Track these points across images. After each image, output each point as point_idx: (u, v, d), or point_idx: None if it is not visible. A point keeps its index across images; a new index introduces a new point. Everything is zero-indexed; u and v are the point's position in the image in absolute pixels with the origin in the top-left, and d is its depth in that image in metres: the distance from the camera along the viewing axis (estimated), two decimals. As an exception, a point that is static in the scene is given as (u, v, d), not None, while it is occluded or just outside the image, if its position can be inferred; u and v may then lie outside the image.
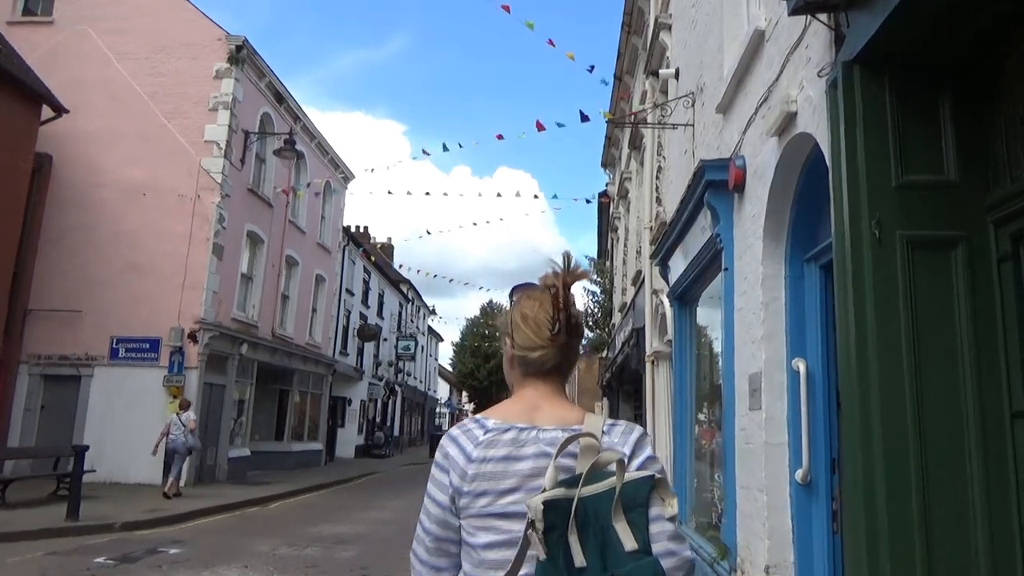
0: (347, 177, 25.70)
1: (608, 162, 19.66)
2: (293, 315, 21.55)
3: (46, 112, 15.37)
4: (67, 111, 15.45)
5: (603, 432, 1.37)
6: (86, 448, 10.49)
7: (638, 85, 12.57)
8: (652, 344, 9.88)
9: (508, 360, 1.53)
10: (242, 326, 18.00)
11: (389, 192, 79.08)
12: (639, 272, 11.86)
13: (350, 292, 28.67)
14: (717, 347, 6.88)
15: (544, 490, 1.27)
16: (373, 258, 27.80)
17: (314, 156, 22.53)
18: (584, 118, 12.66)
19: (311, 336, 23.32)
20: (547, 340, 1.45)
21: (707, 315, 7.22)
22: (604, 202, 19.68)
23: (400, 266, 32.90)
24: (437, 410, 61.22)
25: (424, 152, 22.98)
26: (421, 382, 48.75)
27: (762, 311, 4.59)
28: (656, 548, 1.28)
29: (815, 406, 4.22)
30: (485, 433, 1.38)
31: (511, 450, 1.35)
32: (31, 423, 15.79)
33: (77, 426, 15.52)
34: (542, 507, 1.23)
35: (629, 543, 1.25)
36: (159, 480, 15.14)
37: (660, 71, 8.77)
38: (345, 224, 28.19)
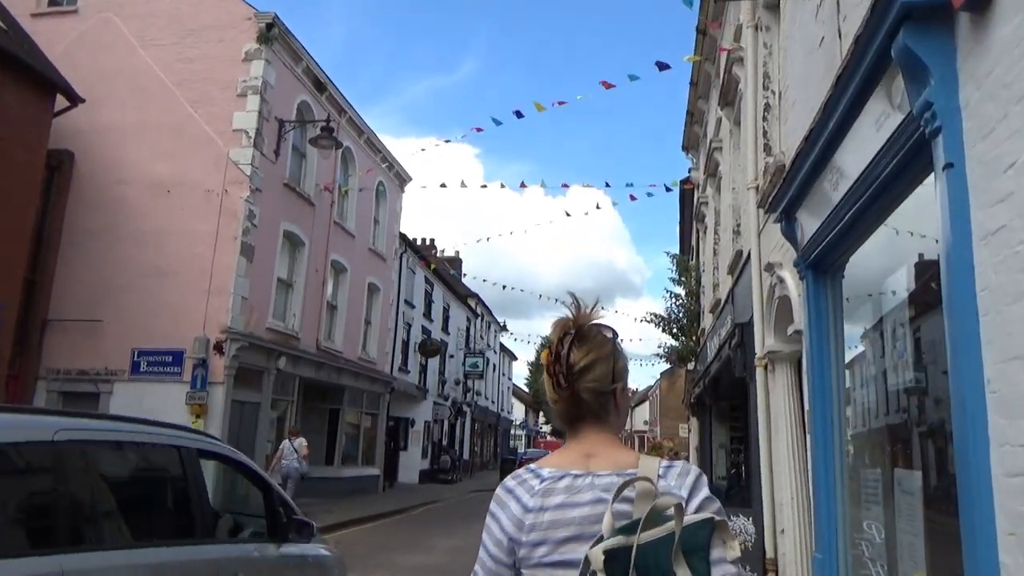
0: (403, 178, 23.77)
1: (690, 143, 17.00)
2: (342, 327, 19.63)
3: (61, 103, 14.00)
4: (83, 100, 14.00)
5: (659, 475, 1.33)
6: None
7: (730, 19, 10.03)
8: (765, 342, 7.25)
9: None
10: (280, 337, 16.15)
11: (443, 185, 72.66)
12: (739, 253, 9.23)
13: (410, 304, 26.71)
14: (894, 329, 4.31)
15: (602, 537, 1.22)
16: (434, 266, 25.75)
17: (363, 153, 20.66)
18: (663, 66, 10.32)
19: (364, 350, 21.37)
20: (553, 393, 1.43)
21: (873, 279, 4.62)
22: (687, 189, 17.00)
23: (465, 275, 30.74)
24: (512, 432, 58.78)
25: (477, 129, 19.32)
26: (493, 402, 46.41)
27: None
28: None
29: None
30: (541, 482, 1.35)
31: (566, 497, 1.32)
32: (48, 446, 14.29)
33: (95, 449, 13.92)
34: (603, 556, 1.19)
35: None
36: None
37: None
38: (408, 235, 26.34)
